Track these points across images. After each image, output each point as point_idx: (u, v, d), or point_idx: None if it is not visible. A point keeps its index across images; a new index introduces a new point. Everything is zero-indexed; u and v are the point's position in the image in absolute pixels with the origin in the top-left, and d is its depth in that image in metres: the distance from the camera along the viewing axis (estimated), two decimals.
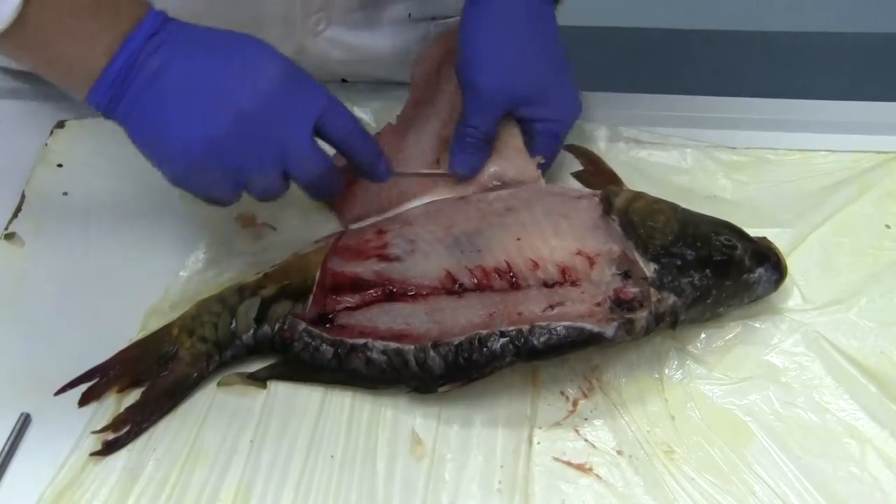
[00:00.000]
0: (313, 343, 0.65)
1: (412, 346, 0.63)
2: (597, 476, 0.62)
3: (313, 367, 0.66)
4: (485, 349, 0.62)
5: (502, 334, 0.62)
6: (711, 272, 0.65)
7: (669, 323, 0.64)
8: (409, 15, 0.86)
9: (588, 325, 0.61)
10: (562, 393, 0.66)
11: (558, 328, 0.61)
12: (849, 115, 0.82)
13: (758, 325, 0.69)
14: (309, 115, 0.62)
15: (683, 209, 0.69)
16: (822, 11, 1.99)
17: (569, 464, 0.62)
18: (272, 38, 0.83)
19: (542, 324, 0.62)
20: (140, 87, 0.60)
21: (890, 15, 1.95)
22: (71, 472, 0.62)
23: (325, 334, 0.65)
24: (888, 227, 0.74)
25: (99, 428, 0.64)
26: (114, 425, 0.64)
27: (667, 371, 0.67)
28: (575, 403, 0.65)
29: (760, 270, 0.66)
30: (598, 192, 0.70)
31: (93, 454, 0.63)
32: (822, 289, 0.70)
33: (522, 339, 0.62)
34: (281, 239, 0.74)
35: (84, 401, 0.65)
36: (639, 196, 0.69)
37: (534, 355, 0.62)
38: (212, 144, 0.60)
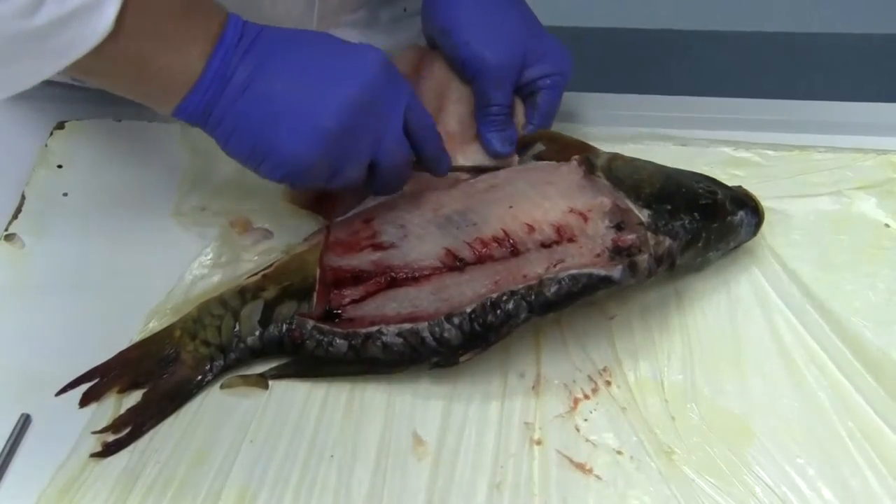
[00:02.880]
0: (325, 339, 0.65)
1: (426, 323, 0.63)
2: (597, 476, 0.62)
3: (328, 362, 0.66)
4: (499, 311, 0.63)
5: (512, 293, 0.63)
6: (699, 215, 0.68)
7: (668, 265, 0.66)
8: (405, 9, 0.87)
9: (595, 270, 0.63)
10: (565, 390, 0.66)
11: (566, 277, 0.63)
12: (849, 116, 0.82)
13: (757, 325, 0.69)
14: (400, 104, 0.63)
15: (660, 164, 0.72)
16: (822, 12, 1.98)
17: (570, 463, 0.62)
18: None
19: (550, 276, 0.63)
20: (235, 93, 0.59)
21: (889, 15, 1.95)
22: (70, 472, 0.62)
23: (336, 329, 0.65)
24: (887, 226, 0.74)
25: (99, 429, 0.64)
26: (114, 426, 0.64)
27: (667, 371, 0.67)
28: (576, 402, 0.65)
29: (741, 213, 0.70)
30: (576, 157, 0.71)
31: (93, 455, 0.63)
32: (821, 287, 0.70)
33: (533, 295, 0.63)
34: (279, 242, 0.74)
35: (84, 401, 0.65)
36: (617, 156, 0.71)
37: (547, 307, 0.63)
38: (323, 135, 0.60)
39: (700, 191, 0.69)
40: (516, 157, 0.74)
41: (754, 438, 0.63)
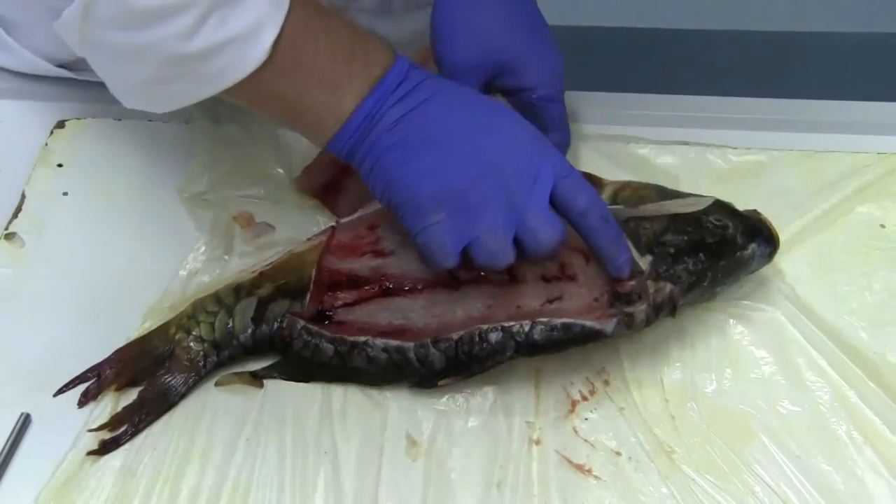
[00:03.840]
0: (313, 341, 0.65)
1: (412, 343, 0.63)
2: (596, 477, 0.62)
3: (314, 365, 0.66)
4: (485, 344, 0.62)
5: (503, 329, 0.62)
6: (705, 255, 0.65)
7: (669, 310, 0.64)
8: None
9: (588, 322, 0.62)
10: (564, 392, 0.66)
11: (558, 324, 0.62)
12: (847, 115, 0.82)
13: (755, 325, 0.69)
14: (548, 178, 0.59)
15: (671, 191, 0.70)
16: (823, 11, 1.99)
17: (569, 464, 0.62)
18: None
19: (543, 319, 0.62)
20: (380, 134, 0.60)
21: (888, 15, 1.95)
22: (67, 471, 0.62)
23: (324, 332, 0.65)
24: (883, 226, 0.74)
25: (95, 426, 0.64)
26: (111, 424, 0.64)
27: (667, 371, 0.67)
28: (574, 404, 0.65)
29: (753, 246, 0.66)
30: None
31: (90, 453, 0.63)
32: (818, 287, 0.70)
33: (523, 335, 0.62)
34: (280, 237, 0.74)
35: (83, 401, 0.65)
36: (625, 186, 0.70)
37: (534, 350, 0.62)
38: (447, 196, 0.58)
39: (708, 226, 0.66)
40: None
41: (754, 438, 0.63)
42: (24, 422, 0.64)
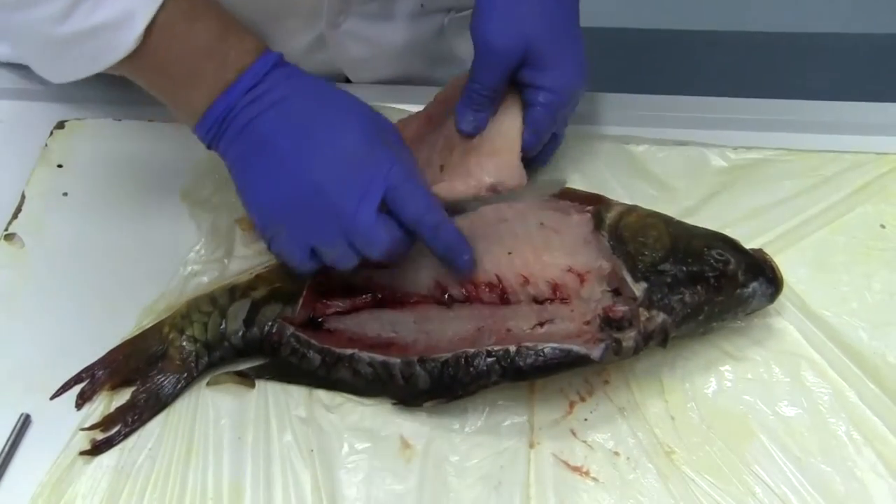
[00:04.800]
0: (301, 349, 0.65)
1: (398, 360, 0.63)
2: (595, 478, 0.62)
3: (301, 371, 0.66)
4: (471, 368, 0.62)
5: (489, 354, 0.61)
6: (703, 288, 0.63)
7: (659, 340, 0.63)
8: (422, 5, 0.86)
9: (575, 347, 0.61)
10: (561, 394, 0.66)
11: (545, 350, 0.61)
12: (847, 116, 0.82)
13: (755, 326, 0.69)
14: (377, 189, 0.61)
15: (677, 222, 0.68)
16: (823, 12, 1.99)
17: (567, 465, 0.62)
18: (295, 27, 0.84)
19: (529, 344, 0.61)
20: (231, 138, 0.62)
21: (887, 16, 1.96)
22: (59, 470, 0.62)
23: (312, 341, 0.65)
24: (883, 226, 0.74)
25: (88, 425, 0.64)
26: (104, 424, 0.64)
27: (667, 372, 0.67)
28: (572, 405, 0.65)
29: (755, 285, 0.65)
30: (591, 207, 0.69)
31: (82, 453, 0.63)
32: (818, 288, 0.70)
33: (509, 360, 0.61)
34: None
35: (80, 403, 0.65)
36: (631, 210, 0.68)
37: (519, 376, 0.61)
38: (281, 210, 0.62)
39: (710, 260, 0.64)
40: (525, 178, 0.69)
41: (754, 438, 0.63)
42: (24, 422, 0.64)
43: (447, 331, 0.64)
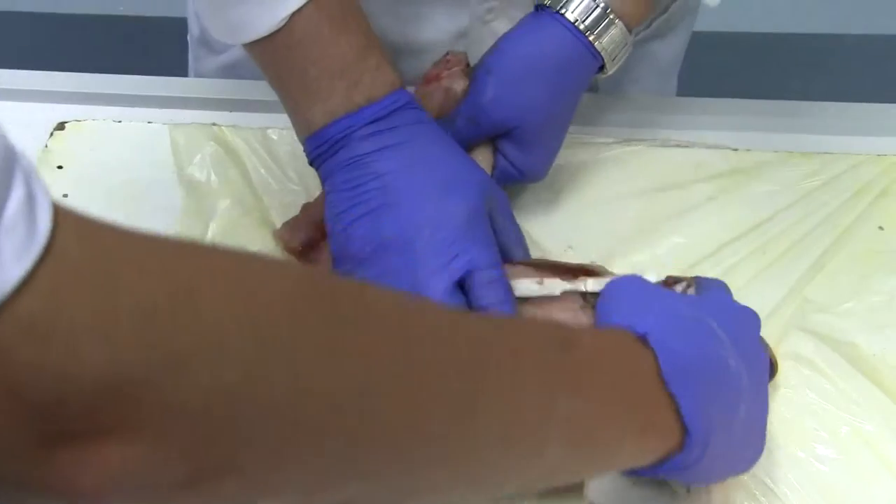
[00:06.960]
0: None
1: None
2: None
3: None
4: None
5: None
6: None
7: None
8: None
9: None
10: None
11: None
12: (847, 117, 0.82)
13: None
14: (459, 267, 0.59)
15: None
16: (823, 12, 1.99)
17: None
18: (439, 16, 0.79)
19: None
20: (340, 163, 0.61)
21: (887, 17, 1.96)
22: None
23: None
24: (881, 228, 0.74)
25: None
26: None
27: None
28: None
29: None
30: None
31: None
32: (816, 290, 0.70)
33: None
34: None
35: None
36: None
37: None
38: (366, 245, 0.60)
39: None
40: None
41: None
42: None
43: None
